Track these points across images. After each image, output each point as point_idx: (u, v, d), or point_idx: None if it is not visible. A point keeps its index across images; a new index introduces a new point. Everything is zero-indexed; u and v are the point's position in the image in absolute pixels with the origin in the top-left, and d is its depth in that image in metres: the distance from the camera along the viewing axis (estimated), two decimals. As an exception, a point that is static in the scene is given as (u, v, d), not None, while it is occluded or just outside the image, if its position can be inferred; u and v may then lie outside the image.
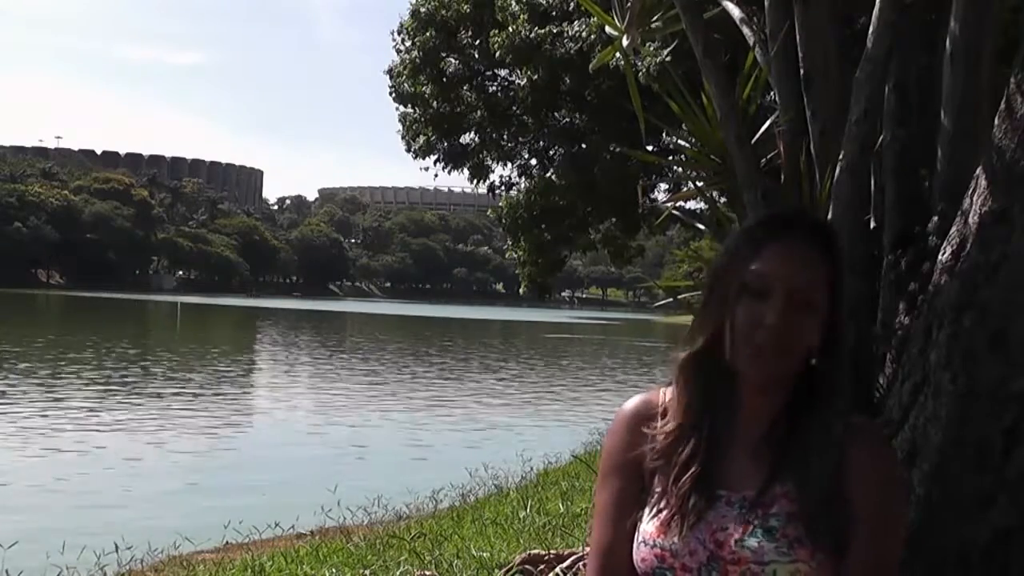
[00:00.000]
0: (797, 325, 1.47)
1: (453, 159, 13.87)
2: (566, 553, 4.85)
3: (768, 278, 1.49)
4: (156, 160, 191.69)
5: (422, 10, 13.15)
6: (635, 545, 1.53)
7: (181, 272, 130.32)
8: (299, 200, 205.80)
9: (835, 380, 1.53)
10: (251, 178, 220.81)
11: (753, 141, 2.71)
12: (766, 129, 2.79)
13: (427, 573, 5.25)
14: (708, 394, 1.55)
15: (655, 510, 1.53)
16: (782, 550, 1.43)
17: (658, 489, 1.54)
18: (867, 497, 1.46)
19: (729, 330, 1.50)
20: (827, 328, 1.51)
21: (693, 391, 1.56)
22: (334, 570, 6.00)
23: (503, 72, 13.25)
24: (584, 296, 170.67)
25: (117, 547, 7.72)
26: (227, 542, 8.69)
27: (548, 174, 13.51)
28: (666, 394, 1.61)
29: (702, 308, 1.57)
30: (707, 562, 1.46)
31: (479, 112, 13.17)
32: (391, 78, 13.91)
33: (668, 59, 7.35)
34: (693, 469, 1.51)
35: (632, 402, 1.64)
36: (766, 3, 2.86)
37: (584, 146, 12.74)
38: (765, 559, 1.44)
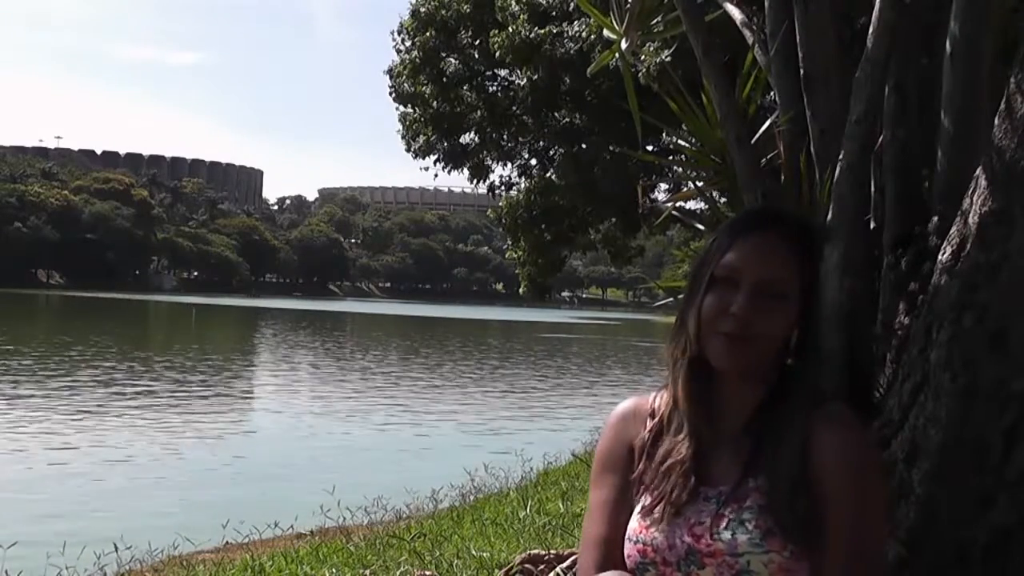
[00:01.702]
0: (763, 314, 1.50)
1: (453, 159, 13.88)
2: (566, 553, 4.85)
3: (737, 269, 1.52)
4: (156, 160, 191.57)
5: (422, 10, 13.16)
6: (625, 541, 1.57)
7: (181, 272, 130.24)
8: (299, 200, 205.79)
9: (809, 377, 1.56)
10: (251, 178, 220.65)
11: (753, 141, 2.71)
12: (766, 129, 2.79)
13: (427, 573, 5.25)
14: (690, 390, 1.57)
15: (640, 507, 1.57)
16: (755, 542, 1.46)
17: (643, 486, 1.58)
18: (837, 481, 1.47)
19: (696, 319, 1.53)
20: (801, 325, 1.54)
21: (676, 387, 1.59)
22: (334, 570, 6.00)
23: (503, 72, 13.25)
24: (584, 296, 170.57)
25: (117, 547, 7.71)
26: (227, 542, 8.70)
27: (548, 174, 13.52)
28: (655, 398, 1.65)
29: (683, 303, 1.60)
30: (685, 556, 1.50)
31: (479, 112, 13.18)
32: (391, 78, 13.92)
33: (668, 59, 7.36)
34: (674, 466, 1.54)
35: (623, 404, 1.68)
36: (766, 3, 2.86)
37: (584, 146, 12.74)
38: (739, 551, 1.46)
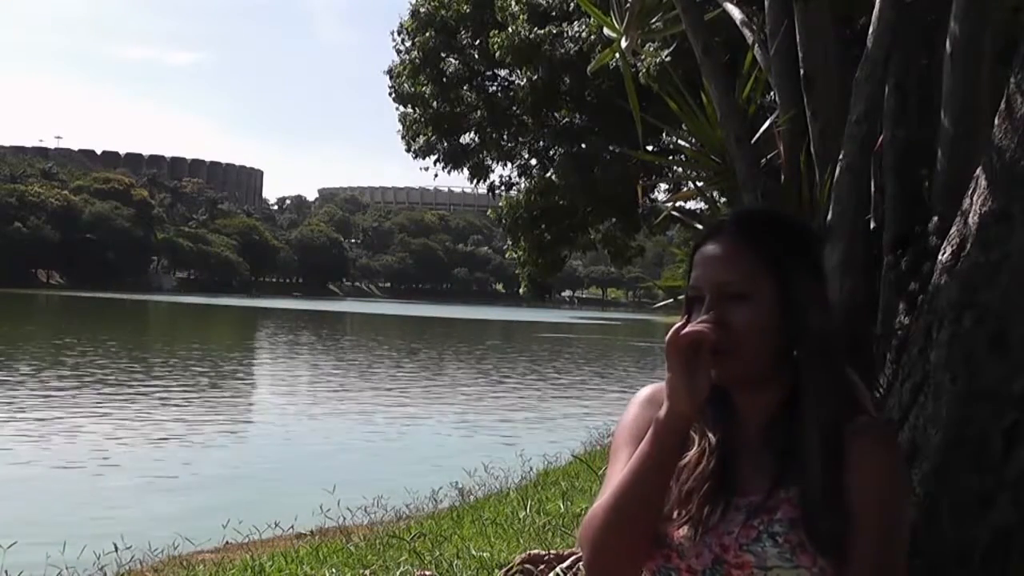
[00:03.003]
0: (728, 319, 1.48)
1: (453, 159, 13.87)
2: (566, 553, 4.85)
3: (697, 283, 1.53)
4: (156, 160, 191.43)
5: (422, 10, 13.16)
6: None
7: (181, 272, 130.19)
8: (299, 200, 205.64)
9: (816, 370, 1.51)
10: (251, 178, 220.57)
11: (753, 141, 2.71)
12: (766, 129, 2.79)
13: (427, 573, 5.26)
14: (711, 402, 1.55)
15: (665, 510, 1.53)
16: (785, 555, 1.44)
17: (671, 491, 1.54)
18: (872, 496, 1.46)
19: None
20: (787, 314, 1.50)
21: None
22: (334, 570, 6.01)
23: (503, 72, 13.25)
24: (584, 296, 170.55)
25: (117, 547, 7.72)
26: (227, 542, 8.70)
27: (548, 174, 13.50)
28: None
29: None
30: (712, 565, 1.47)
31: (479, 112, 13.17)
32: (391, 78, 13.91)
33: (668, 59, 7.36)
34: (705, 476, 1.52)
35: (649, 387, 1.66)
36: (766, 3, 2.87)
37: (584, 146, 12.73)
38: (768, 564, 1.44)
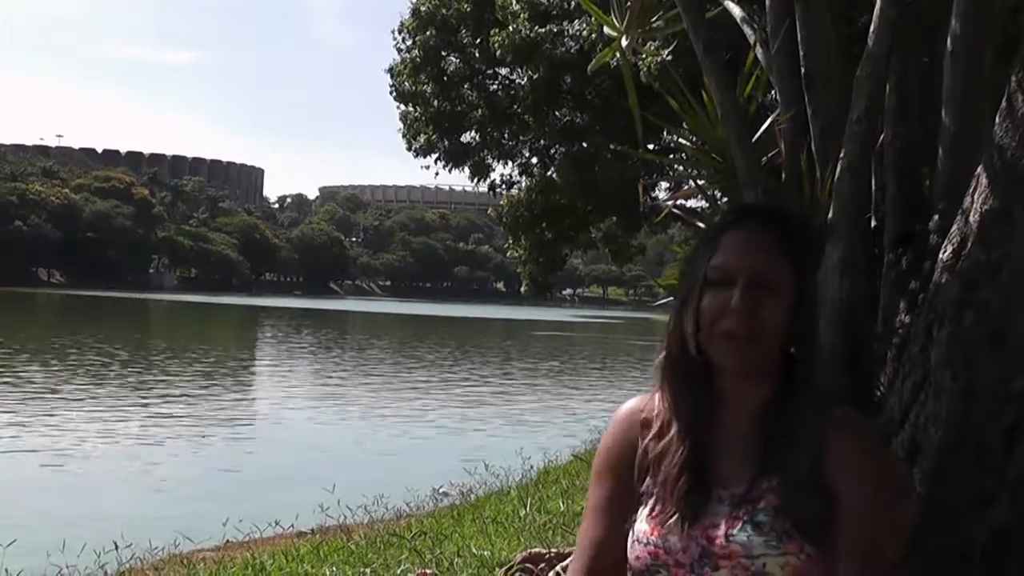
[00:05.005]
0: (760, 307, 1.49)
1: (454, 157, 13.86)
2: (567, 551, 4.85)
3: (728, 265, 1.51)
4: (157, 159, 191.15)
5: (423, 9, 13.16)
6: (629, 543, 1.55)
7: (181, 271, 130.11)
8: (300, 198, 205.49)
9: (810, 368, 1.53)
10: (252, 176, 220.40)
11: (754, 140, 2.71)
12: (767, 128, 2.79)
13: (428, 571, 5.26)
14: (692, 392, 1.56)
15: (648, 509, 1.54)
16: (771, 543, 1.45)
17: (652, 488, 1.56)
18: (851, 488, 1.46)
19: (695, 323, 1.52)
20: (796, 314, 1.51)
21: (677, 391, 1.57)
22: (335, 568, 6.01)
23: (504, 71, 13.25)
24: (585, 294, 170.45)
25: (117, 546, 7.72)
26: (227, 540, 8.70)
27: (549, 173, 13.51)
28: (659, 401, 1.62)
29: (675, 309, 1.58)
30: (699, 558, 1.48)
31: (480, 111, 13.17)
32: (392, 77, 13.91)
33: (668, 58, 7.36)
34: (687, 470, 1.52)
35: (628, 404, 1.66)
36: (767, 2, 2.87)
37: (585, 145, 12.74)
38: (755, 552, 1.45)
